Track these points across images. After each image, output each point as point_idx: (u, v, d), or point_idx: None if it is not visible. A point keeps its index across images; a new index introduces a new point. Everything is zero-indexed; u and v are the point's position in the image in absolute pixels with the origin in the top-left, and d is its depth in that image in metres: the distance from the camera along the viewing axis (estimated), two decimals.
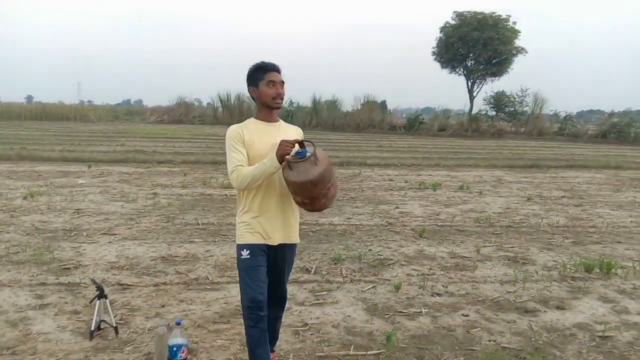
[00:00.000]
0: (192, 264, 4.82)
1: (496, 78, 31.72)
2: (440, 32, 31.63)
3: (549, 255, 5.54)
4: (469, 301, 4.12)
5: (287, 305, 3.01)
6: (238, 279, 2.65)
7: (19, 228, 5.92)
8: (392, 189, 9.69)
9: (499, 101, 31.77)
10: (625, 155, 19.13)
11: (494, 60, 30.31)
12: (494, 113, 32.44)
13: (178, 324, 2.99)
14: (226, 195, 8.41)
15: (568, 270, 4.97)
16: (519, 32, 29.95)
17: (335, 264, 4.95)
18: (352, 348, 3.25)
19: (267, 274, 2.62)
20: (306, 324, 3.58)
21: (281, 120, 2.73)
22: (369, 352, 3.20)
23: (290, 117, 29.43)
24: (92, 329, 3.23)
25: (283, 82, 2.61)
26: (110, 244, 5.39)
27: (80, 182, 9.34)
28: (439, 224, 6.88)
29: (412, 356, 3.18)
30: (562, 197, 9.47)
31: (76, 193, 8.20)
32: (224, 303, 3.90)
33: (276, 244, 2.62)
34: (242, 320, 2.70)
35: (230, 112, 32.25)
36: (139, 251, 5.17)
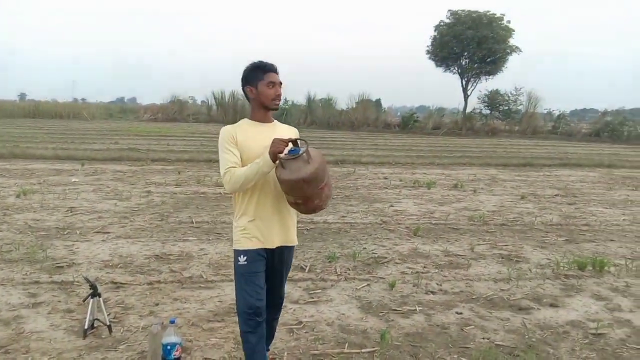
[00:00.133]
0: (186, 263, 4.81)
1: (490, 77, 31.88)
2: (435, 30, 31.71)
3: (543, 253, 5.56)
4: (462, 299, 4.14)
5: None
6: (234, 283, 2.62)
7: (12, 226, 5.88)
8: (386, 187, 9.70)
9: (493, 100, 31.87)
10: (619, 154, 19.24)
11: (488, 59, 30.41)
12: (488, 112, 32.53)
13: (172, 322, 2.98)
14: (220, 193, 8.39)
15: (561, 268, 5.00)
16: (513, 30, 30.08)
17: (329, 262, 4.95)
18: (346, 346, 3.25)
19: (266, 277, 2.59)
20: (300, 322, 3.58)
21: (276, 121, 2.69)
22: (363, 350, 3.21)
23: (285, 115, 29.36)
24: (86, 327, 3.21)
25: (281, 83, 2.58)
26: (103, 243, 5.37)
27: (73, 180, 9.29)
28: (433, 222, 6.90)
29: (406, 354, 3.19)
30: (555, 195, 9.52)
31: (69, 191, 8.16)
32: (218, 301, 3.90)
33: (275, 246, 2.58)
34: (236, 319, 2.70)
35: (224, 111, 32.15)
36: (132, 249, 5.15)
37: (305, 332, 3.44)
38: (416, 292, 4.25)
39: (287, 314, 3.70)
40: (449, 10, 31.14)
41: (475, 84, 32.30)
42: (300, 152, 2.39)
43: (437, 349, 3.26)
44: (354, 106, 32.36)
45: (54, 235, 5.59)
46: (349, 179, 10.73)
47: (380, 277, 4.58)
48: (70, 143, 15.92)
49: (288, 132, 2.64)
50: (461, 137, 27.62)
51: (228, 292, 4.01)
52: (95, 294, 3.27)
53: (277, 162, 2.38)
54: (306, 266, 4.78)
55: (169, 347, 2.90)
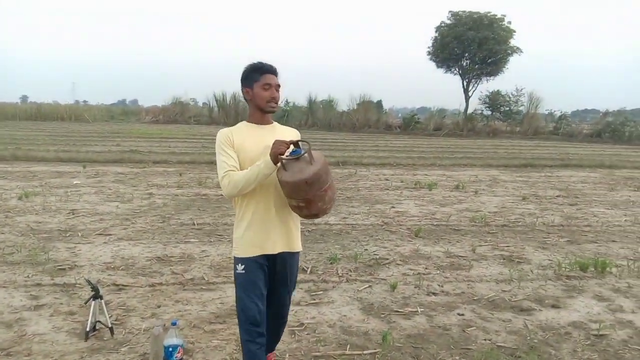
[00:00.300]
0: (188, 264, 4.81)
1: (491, 78, 31.97)
2: (436, 31, 31.77)
3: (544, 254, 5.56)
4: (464, 300, 4.14)
5: None
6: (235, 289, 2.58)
7: (14, 229, 5.89)
8: (388, 189, 9.70)
9: (494, 101, 31.86)
10: (620, 155, 19.21)
11: (489, 60, 30.46)
12: (489, 112, 32.52)
13: (174, 324, 2.99)
14: (222, 195, 8.38)
15: (563, 269, 4.99)
16: (514, 31, 30.12)
17: (331, 263, 4.95)
18: (348, 348, 3.25)
19: (270, 285, 2.55)
20: (302, 324, 3.58)
21: (275, 123, 2.61)
22: (364, 352, 3.21)
23: (286, 116, 29.41)
24: (88, 329, 3.22)
25: (279, 86, 2.49)
26: (105, 245, 5.37)
27: (75, 182, 9.31)
28: (435, 223, 6.90)
29: (408, 355, 3.19)
30: (557, 196, 9.51)
31: (71, 193, 8.17)
32: (220, 303, 3.90)
33: (275, 252, 2.50)
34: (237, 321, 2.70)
35: (225, 112, 32.18)
36: (134, 251, 5.16)
37: (307, 334, 3.44)
38: (418, 294, 4.25)
39: (289, 315, 3.69)
40: (450, 11, 31.22)
41: (476, 85, 32.38)
42: (302, 152, 2.33)
43: (439, 351, 3.26)
44: (355, 107, 32.34)
45: (56, 237, 5.60)
46: (350, 180, 10.73)
47: (382, 279, 4.58)
48: (71, 145, 15.94)
49: (288, 134, 2.57)
50: (462, 138, 27.60)
51: (230, 294, 4.02)
52: (97, 296, 3.28)
53: (279, 164, 2.31)
54: (308, 268, 4.78)
55: (170, 349, 2.91)
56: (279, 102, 2.57)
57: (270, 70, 2.48)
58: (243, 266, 2.47)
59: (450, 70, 32.47)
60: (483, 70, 31.24)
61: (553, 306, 4.06)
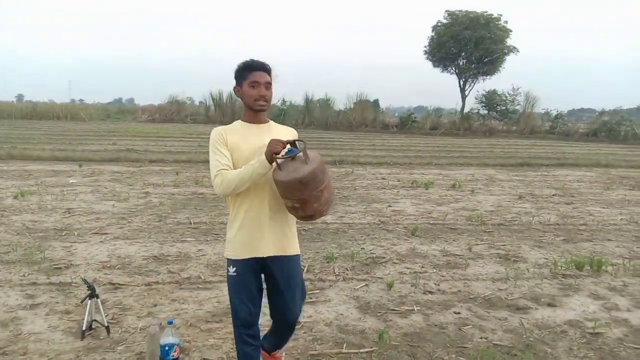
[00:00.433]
0: (184, 263, 4.80)
1: (488, 77, 31.99)
2: (432, 31, 31.76)
3: (540, 252, 5.58)
4: (460, 299, 4.14)
5: None
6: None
7: (10, 228, 5.87)
8: (384, 188, 9.71)
9: (490, 100, 31.90)
10: (616, 154, 19.28)
11: (486, 59, 30.47)
12: (485, 112, 32.57)
13: (170, 323, 2.98)
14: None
15: (559, 267, 5.01)
16: (511, 31, 30.14)
17: (327, 262, 4.95)
18: (344, 346, 3.26)
19: (271, 290, 2.50)
20: (299, 323, 3.58)
21: (272, 122, 2.53)
22: (361, 350, 3.21)
23: (282, 116, 29.40)
24: (84, 328, 3.21)
25: (269, 83, 2.40)
26: (101, 244, 5.36)
27: (71, 181, 9.28)
28: (431, 222, 6.91)
29: (405, 354, 3.19)
30: (553, 195, 9.53)
31: (67, 192, 8.15)
32: (216, 302, 3.90)
33: (267, 255, 2.41)
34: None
35: (222, 111, 32.14)
36: (130, 250, 5.15)
37: (304, 333, 3.44)
38: (414, 292, 4.25)
39: None
40: (447, 11, 31.22)
41: (472, 84, 32.40)
42: (298, 152, 2.29)
43: (435, 349, 3.26)
44: (352, 107, 32.36)
45: (52, 236, 5.58)
46: (347, 179, 10.73)
47: (379, 277, 4.58)
48: (67, 144, 15.89)
49: (285, 133, 2.50)
50: (459, 137, 27.64)
51: (226, 293, 3.96)
52: (93, 295, 3.27)
53: (274, 163, 2.25)
54: (304, 266, 4.78)
55: (167, 348, 2.90)
56: (272, 101, 2.50)
57: (259, 68, 2.39)
58: (234, 268, 2.43)
59: (447, 69, 32.49)
60: (479, 70, 31.26)
61: (549, 304, 4.07)
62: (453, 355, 3.19)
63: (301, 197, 2.25)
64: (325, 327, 3.55)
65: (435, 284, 4.48)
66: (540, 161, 15.45)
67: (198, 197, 8.18)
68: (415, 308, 3.91)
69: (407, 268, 4.89)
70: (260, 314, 2.56)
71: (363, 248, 5.50)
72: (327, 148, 16.71)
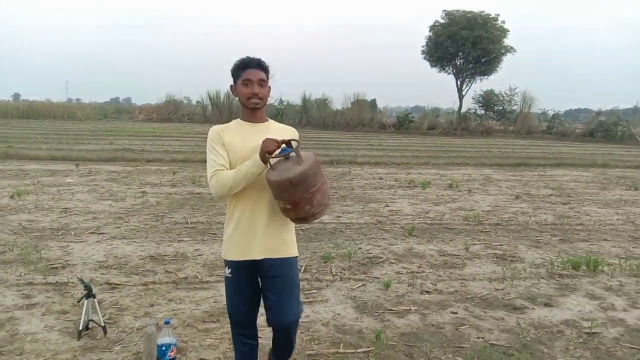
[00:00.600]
0: (181, 263, 4.80)
1: (485, 77, 32.00)
2: (430, 31, 31.77)
3: (537, 252, 5.59)
4: (457, 299, 4.15)
5: None
6: None
7: (6, 227, 5.85)
8: (381, 188, 9.71)
9: (487, 100, 32.00)
10: (612, 154, 19.34)
11: (483, 59, 30.50)
12: (482, 112, 32.67)
13: (167, 323, 2.98)
14: None
15: (556, 267, 5.02)
16: (508, 31, 30.18)
17: (325, 262, 4.95)
18: (341, 346, 3.26)
19: (268, 291, 2.41)
20: (299, 326, 3.57)
21: (271, 120, 2.48)
22: (358, 350, 3.21)
23: (280, 115, 29.40)
24: (80, 328, 3.20)
25: (263, 81, 2.35)
26: (98, 243, 5.35)
27: (68, 181, 9.26)
28: (428, 222, 6.91)
29: (401, 354, 3.20)
30: (550, 195, 9.56)
31: (64, 192, 8.13)
32: (213, 302, 3.89)
33: (260, 258, 2.36)
34: None
35: (219, 111, 32.11)
36: (127, 250, 5.14)
37: (301, 332, 3.43)
38: (411, 292, 4.26)
39: None
40: (444, 11, 31.23)
41: (470, 84, 32.44)
42: (291, 151, 2.23)
43: (432, 349, 3.27)
44: (349, 106, 32.40)
45: (49, 236, 5.56)
46: (344, 179, 10.73)
47: (376, 277, 4.58)
48: (64, 144, 15.85)
49: (284, 132, 2.43)
50: (456, 137, 27.69)
51: (223, 293, 3.95)
52: (89, 295, 3.26)
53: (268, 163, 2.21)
54: (301, 266, 4.78)
55: (164, 348, 2.90)
56: (268, 98, 2.45)
57: (252, 65, 2.34)
58: (230, 269, 2.42)
59: (444, 69, 32.50)
60: (477, 70, 31.30)
61: (545, 304, 4.08)
62: (450, 355, 3.19)
63: (291, 199, 2.19)
64: (323, 327, 3.55)
65: (432, 283, 4.49)
66: (537, 161, 15.49)
67: (195, 196, 8.17)
68: (412, 308, 3.92)
69: (404, 268, 4.89)
70: (258, 315, 2.55)
71: (360, 248, 5.50)
72: (324, 148, 16.72)
